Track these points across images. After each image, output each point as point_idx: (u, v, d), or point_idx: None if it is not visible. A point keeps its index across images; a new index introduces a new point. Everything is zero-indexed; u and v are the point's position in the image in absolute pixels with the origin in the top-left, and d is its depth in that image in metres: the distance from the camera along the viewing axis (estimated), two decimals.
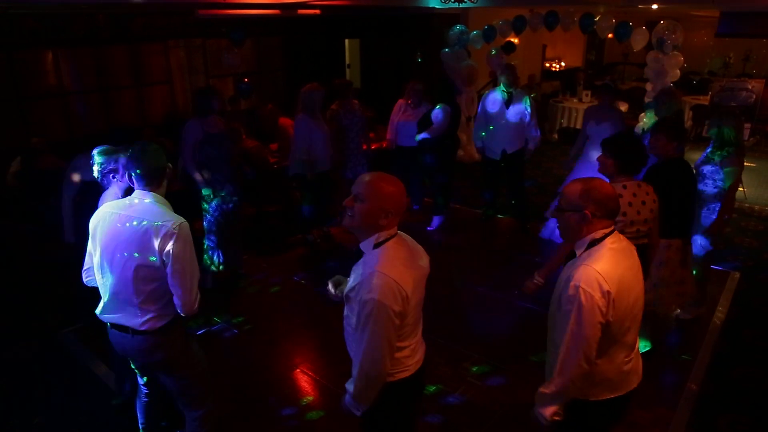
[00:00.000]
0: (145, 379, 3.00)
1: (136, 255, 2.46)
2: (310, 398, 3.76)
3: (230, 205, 4.99)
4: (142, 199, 2.54)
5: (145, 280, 2.49)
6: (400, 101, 6.54)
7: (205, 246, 5.04)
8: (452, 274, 5.65)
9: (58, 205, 3.99)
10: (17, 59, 6.67)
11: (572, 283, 2.07)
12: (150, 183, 2.54)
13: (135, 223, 2.46)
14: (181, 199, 4.89)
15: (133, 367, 2.97)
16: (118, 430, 3.51)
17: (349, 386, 2.20)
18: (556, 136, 10.95)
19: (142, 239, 2.44)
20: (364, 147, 6.32)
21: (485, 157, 6.43)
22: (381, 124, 7.21)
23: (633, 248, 2.28)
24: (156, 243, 2.42)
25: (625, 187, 3.16)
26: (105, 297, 2.64)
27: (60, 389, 3.88)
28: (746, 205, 7.24)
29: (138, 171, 2.51)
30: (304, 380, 3.95)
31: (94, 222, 2.62)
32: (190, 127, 4.75)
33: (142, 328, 2.57)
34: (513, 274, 5.44)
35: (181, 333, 2.72)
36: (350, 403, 2.20)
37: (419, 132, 6.28)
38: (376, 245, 2.11)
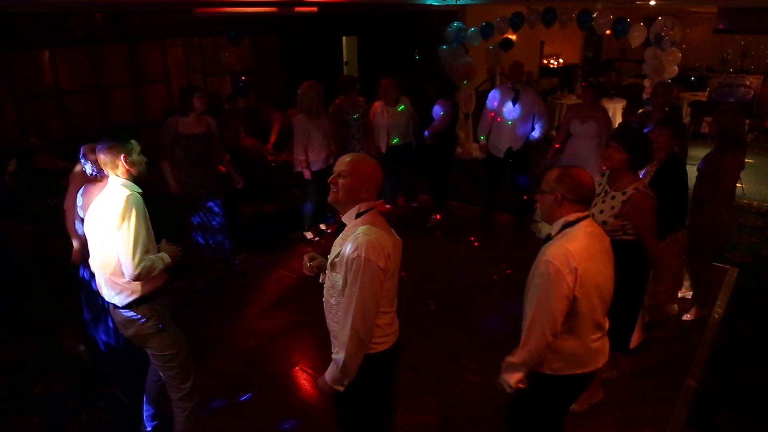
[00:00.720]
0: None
1: (103, 229, 2.70)
2: (309, 395, 3.76)
3: (203, 211, 4.93)
4: (110, 182, 2.78)
5: (108, 252, 2.71)
6: (376, 104, 6.34)
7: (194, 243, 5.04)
8: (451, 271, 5.66)
9: (55, 204, 4.01)
10: (14, 58, 6.65)
11: (543, 259, 2.26)
12: (111, 170, 2.75)
13: (103, 202, 2.74)
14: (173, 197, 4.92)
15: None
16: (117, 429, 3.51)
17: (338, 356, 2.28)
18: (554, 133, 10.94)
19: (107, 214, 2.68)
20: (367, 143, 6.33)
21: (489, 155, 6.40)
22: None
23: (605, 236, 2.45)
24: (112, 213, 2.64)
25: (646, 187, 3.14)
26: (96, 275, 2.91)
27: (59, 388, 3.87)
28: (744, 201, 7.25)
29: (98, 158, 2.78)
30: (303, 378, 3.95)
31: (87, 214, 2.89)
32: (165, 125, 4.73)
33: (113, 301, 2.83)
34: (512, 272, 5.45)
35: (152, 314, 2.86)
36: (335, 378, 2.30)
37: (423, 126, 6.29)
38: (358, 215, 2.32)
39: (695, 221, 4.25)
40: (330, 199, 2.36)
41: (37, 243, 5.22)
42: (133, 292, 2.79)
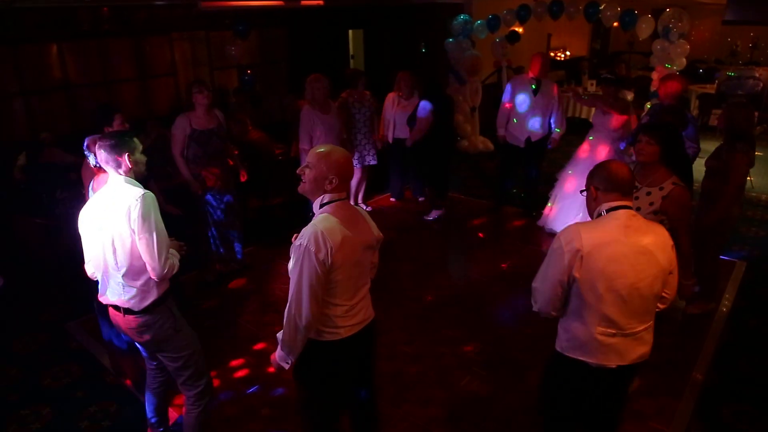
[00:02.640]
0: (154, 363, 3.08)
1: (113, 230, 2.61)
2: None
3: (222, 205, 4.96)
4: (112, 180, 2.71)
5: (123, 255, 2.63)
6: (391, 94, 6.51)
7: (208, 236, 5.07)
8: (457, 264, 5.66)
9: (64, 198, 4.02)
10: (22, 53, 6.67)
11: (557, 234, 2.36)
12: (112, 167, 2.68)
13: (108, 201, 2.65)
14: (182, 191, 4.94)
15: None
16: (126, 421, 3.54)
17: (279, 334, 2.41)
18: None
19: (116, 214, 2.60)
20: (373, 138, 6.34)
21: (507, 144, 6.37)
22: None
23: (646, 233, 2.30)
24: (125, 214, 2.57)
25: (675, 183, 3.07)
26: (99, 279, 2.81)
27: (68, 380, 3.91)
28: (753, 194, 7.21)
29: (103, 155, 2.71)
30: None
31: (83, 213, 2.76)
32: (177, 121, 4.75)
33: (127, 306, 2.72)
34: (519, 264, 5.45)
35: (169, 314, 2.82)
36: (280, 355, 2.43)
37: (409, 124, 6.29)
38: (321, 205, 2.41)
39: (704, 217, 4.22)
40: (299, 189, 2.47)
41: (46, 236, 5.26)
42: (149, 295, 2.72)
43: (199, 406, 3.04)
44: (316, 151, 2.40)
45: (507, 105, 6.22)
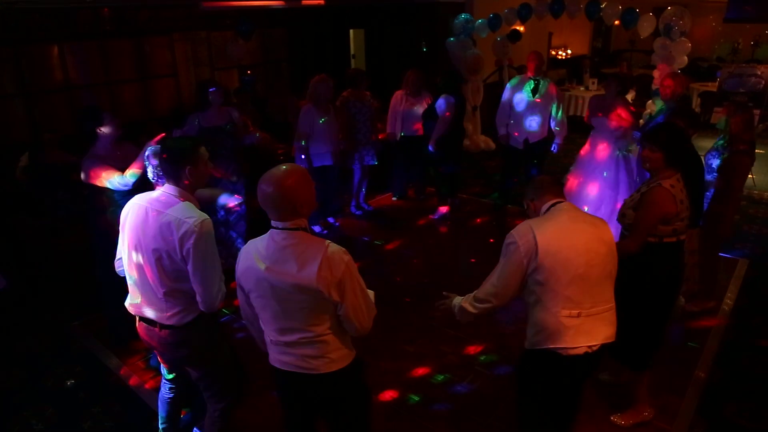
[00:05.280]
0: (172, 375, 3.01)
1: (158, 247, 2.45)
2: None
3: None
4: (167, 192, 2.53)
5: (166, 273, 2.49)
6: (398, 93, 6.51)
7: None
8: (459, 262, 5.66)
9: (65, 198, 4.01)
10: (23, 54, 6.68)
11: (509, 232, 2.50)
12: (170, 178, 2.53)
13: (159, 215, 2.46)
14: None
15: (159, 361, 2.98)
16: (131, 422, 3.55)
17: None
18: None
19: (164, 232, 2.42)
20: (372, 138, 6.34)
21: (509, 146, 6.34)
22: (386, 114, 7.20)
23: (590, 217, 2.60)
24: (177, 238, 2.39)
25: (678, 180, 3.02)
26: (132, 288, 2.66)
27: (71, 381, 3.92)
28: (755, 192, 7.20)
29: (160, 165, 2.63)
30: None
31: (124, 213, 2.63)
32: (188, 121, 4.76)
33: (169, 323, 2.58)
34: None
35: (208, 329, 2.70)
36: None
37: (425, 122, 6.28)
38: None
39: (702, 214, 4.23)
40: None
41: (48, 237, 5.27)
42: (193, 310, 2.58)
43: (221, 420, 2.94)
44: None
45: (507, 106, 6.18)
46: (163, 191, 2.54)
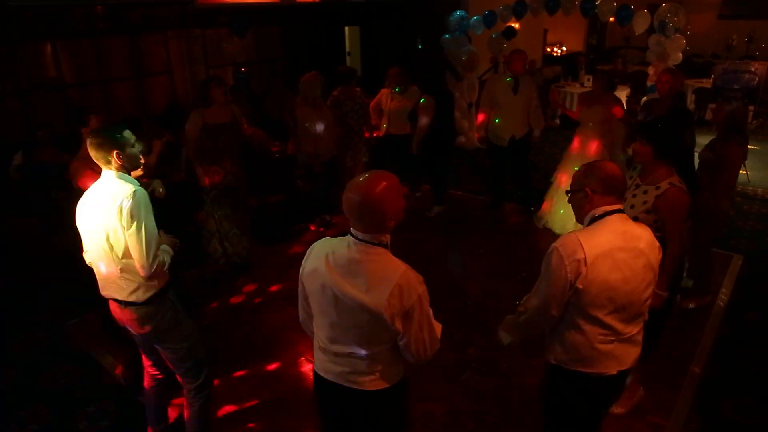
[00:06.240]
0: (153, 359, 3.09)
1: (104, 224, 2.61)
2: None
3: (229, 198, 4.96)
4: (104, 176, 2.68)
5: (115, 249, 2.63)
6: (384, 90, 6.50)
7: (208, 234, 5.06)
8: (455, 260, 5.66)
9: (59, 197, 4.00)
10: (17, 52, 6.64)
11: (553, 245, 2.23)
12: (103, 163, 2.65)
13: (100, 195, 2.64)
14: (182, 189, 4.93)
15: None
16: (124, 421, 3.54)
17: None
18: (558, 121, 10.90)
19: (106, 208, 2.59)
20: (366, 135, 6.32)
21: (492, 145, 6.38)
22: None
23: (639, 237, 2.26)
24: (116, 210, 2.55)
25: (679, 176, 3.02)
26: (99, 274, 2.80)
27: (66, 380, 3.90)
28: (749, 188, 7.22)
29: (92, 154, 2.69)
30: (309, 368, 3.97)
31: (79, 206, 2.75)
32: (190, 117, 4.75)
33: (130, 299, 2.73)
34: (516, 260, 5.45)
35: (169, 306, 2.85)
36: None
37: (412, 122, 6.28)
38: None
39: (694, 208, 4.23)
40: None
41: (42, 236, 5.24)
42: (152, 287, 2.74)
43: (200, 398, 3.08)
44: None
45: (488, 104, 6.23)
46: (102, 175, 2.68)
